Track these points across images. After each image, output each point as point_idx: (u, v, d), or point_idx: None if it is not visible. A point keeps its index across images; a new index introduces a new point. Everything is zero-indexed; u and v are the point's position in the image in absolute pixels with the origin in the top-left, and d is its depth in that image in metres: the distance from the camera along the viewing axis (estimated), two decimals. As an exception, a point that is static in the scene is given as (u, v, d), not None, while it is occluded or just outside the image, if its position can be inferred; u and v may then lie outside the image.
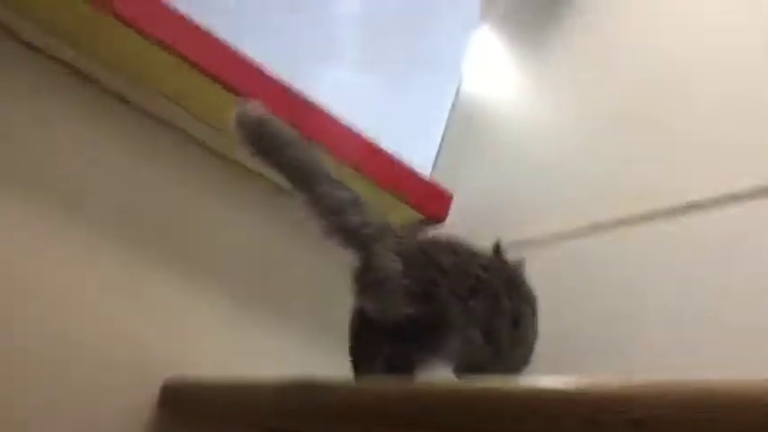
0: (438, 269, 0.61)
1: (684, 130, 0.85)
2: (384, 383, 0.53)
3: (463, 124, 1.34)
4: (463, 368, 0.63)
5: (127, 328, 0.93)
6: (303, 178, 0.62)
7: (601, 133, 0.99)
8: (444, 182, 1.17)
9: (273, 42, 1.24)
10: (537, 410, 0.37)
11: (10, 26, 0.91)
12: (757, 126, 0.75)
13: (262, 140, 0.63)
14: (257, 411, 0.69)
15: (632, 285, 0.80)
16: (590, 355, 0.81)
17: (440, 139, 1.34)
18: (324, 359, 1.06)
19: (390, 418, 0.48)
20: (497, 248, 0.71)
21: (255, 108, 0.65)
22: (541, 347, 0.70)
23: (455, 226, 1.12)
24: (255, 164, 1.04)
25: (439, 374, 0.62)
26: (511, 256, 0.72)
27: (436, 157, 1.31)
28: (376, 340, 0.62)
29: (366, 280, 0.60)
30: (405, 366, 0.59)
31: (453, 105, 1.38)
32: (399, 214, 1.10)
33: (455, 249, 0.65)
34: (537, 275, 0.74)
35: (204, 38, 0.95)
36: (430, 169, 1.28)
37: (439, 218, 1.12)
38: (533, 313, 0.69)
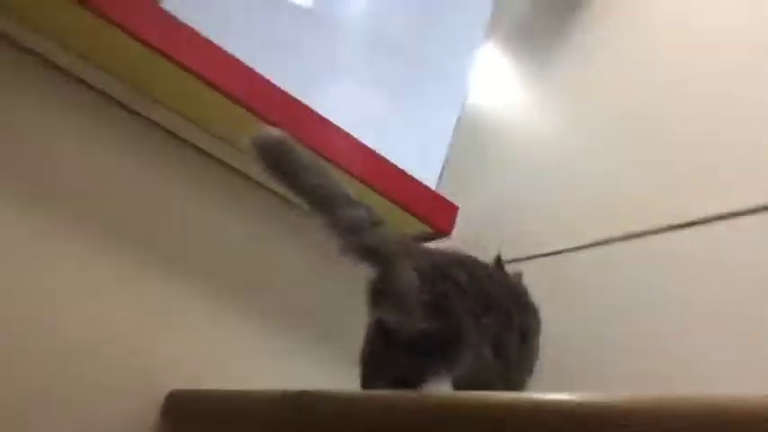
0: (454, 286, 0.62)
1: (687, 150, 0.85)
2: (385, 395, 0.54)
3: (469, 139, 1.35)
4: (471, 383, 0.63)
5: (134, 338, 0.93)
6: (322, 201, 0.63)
7: (604, 151, 0.99)
8: (450, 195, 1.17)
9: (283, 56, 1.25)
10: (541, 424, 0.37)
11: (9, 34, 0.92)
12: (755, 147, 0.75)
13: (280, 164, 0.65)
14: (260, 423, 0.69)
15: (634, 301, 0.80)
16: (592, 369, 0.80)
17: (445, 152, 1.34)
18: (327, 371, 1.06)
19: (391, 429, 0.48)
20: (498, 261, 0.72)
21: (273, 131, 0.66)
22: (543, 361, 0.70)
23: (460, 239, 1.12)
24: (260, 175, 1.07)
25: (439, 388, 0.62)
26: (511, 269, 0.73)
27: (442, 171, 1.31)
28: (389, 353, 0.62)
29: (384, 292, 0.61)
30: (416, 380, 0.60)
31: (459, 120, 1.39)
32: (405, 226, 1.10)
33: (467, 265, 0.66)
34: (538, 289, 0.74)
35: (211, 50, 0.96)
36: (436, 182, 1.28)
37: (444, 230, 1.12)
38: (538, 326, 0.70)
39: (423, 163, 1.24)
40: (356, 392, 0.60)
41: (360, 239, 0.61)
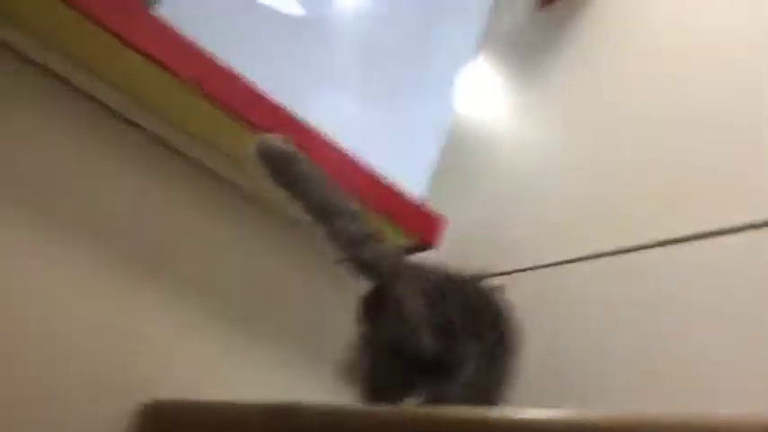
0: (455, 307, 0.64)
1: (676, 165, 0.85)
2: (374, 409, 0.53)
3: (457, 150, 1.35)
4: (461, 400, 0.64)
5: (110, 346, 0.92)
6: (322, 213, 0.65)
7: (594, 164, 1.00)
8: (437, 207, 1.17)
9: (273, 65, 1.25)
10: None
11: (15, 44, 0.91)
12: (749, 163, 0.76)
13: (283, 172, 0.66)
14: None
15: (619, 317, 0.80)
16: (572, 385, 0.80)
17: (434, 165, 1.35)
18: (311, 385, 1.05)
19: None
20: (480, 277, 0.72)
21: (277, 140, 0.67)
22: (525, 376, 0.70)
23: (447, 251, 1.12)
24: (251, 185, 1.06)
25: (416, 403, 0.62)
26: (494, 282, 0.73)
27: (430, 183, 1.31)
28: (387, 368, 0.63)
29: (381, 308, 0.61)
30: (412, 395, 0.60)
31: (448, 133, 1.39)
32: (391, 238, 1.10)
33: (465, 285, 0.68)
34: (525, 303, 0.74)
35: (200, 58, 0.95)
36: (423, 195, 1.28)
37: (431, 243, 1.12)
38: (516, 343, 0.70)
39: (411, 174, 1.24)
40: (344, 406, 0.60)
41: (358, 253, 0.62)
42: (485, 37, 1.49)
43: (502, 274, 0.99)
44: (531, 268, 0.97)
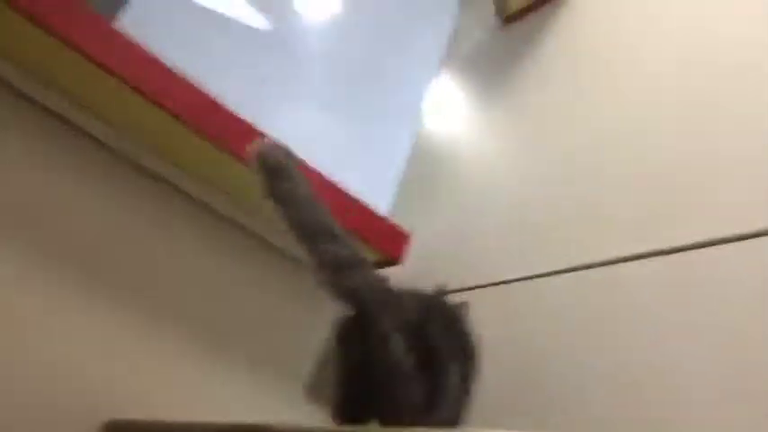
0: (437, 338, 0.64)
1: (640, 181, 0.87)
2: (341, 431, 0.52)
3: (422, 167, 1.36)
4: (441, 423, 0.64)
5: (71, 365, 0.90)
6: (309, 231, 0.64)
7: (558, 180, 1.01)
8: (402, 222, 1.17)
9: (237, 79, 1.24)
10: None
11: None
12: (716, 177, 0.77)
13: (276, 184, 0.65)
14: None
15: (582, 333, 0.81)
16: (534, 403, 0.80)
17: (399, 180, 1.35)
18: (279, 405, 1.04)
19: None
20: (441, 294, 0.72)
21: (278, 148, 0.67)
22: (489, 395, 0.71)
23: (411, 266, 1.12)
24: (219, 204, 1.05)
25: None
26: (459, 299, 0.73)
27: (395, 199, 1.31)
28: (357, 392, 0.62)
29: (362, 336, 0.61)
30: (393, 420, 0.60)
31: (413, 148, 1.40)
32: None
33: (444, 311, 0.68)
34: (489, 319, 0.74)
35: (160, 69, 0.94)
36: (388, 210, 1.28)
37: (396, 258, 1.11)
38: (476, 365, 0.71)
39: (376, 189, 1.24)
40: (313, 427, 0.59)
41: (342, 279, 0.62)
42: (449, 53, 1.51)
43: (465, 289, 0.99)
44: (494, 284, 0.97)
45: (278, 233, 1.10)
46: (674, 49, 0.94)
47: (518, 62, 1.25)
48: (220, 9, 1.33)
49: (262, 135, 1.01)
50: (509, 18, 1.36)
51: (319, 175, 1.06)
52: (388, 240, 1.12)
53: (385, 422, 0.60)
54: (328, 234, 0.64)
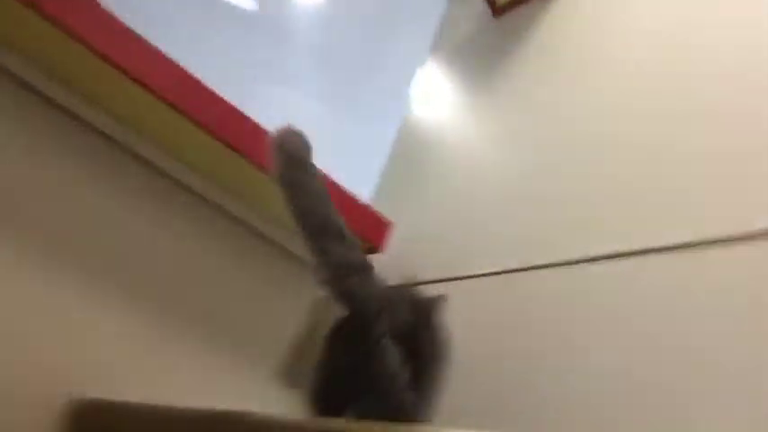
0: (426, 344, 0.66)
1: (626, 179, 0.86)
2: (315, 422, 0.52)
3: (406, 156, 1.35)
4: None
5: (35, 340, 0.88)
6: (317, 229, 0.63)
7: (542, 176, 1.00)
8: (385, 210, 1.16)
9: (225, 62, 1.22)
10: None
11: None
12: (696, 178, 0.77)
13: (292, 174, 0.65)
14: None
15: (563, 327, 0.81)
16: (512, 396, 0.80)
17: (383, 168, 1.34)
18: (253, 389, 1.03)
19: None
20: (413, 286, 0.73)
21: (298, 138, 0.67)
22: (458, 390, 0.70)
23: (392, 255, 1.11)
24: (196, 183, 1.03)
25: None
26: (436, 291, 0.73)
27: (378, 187, 1.30)
28: (347, 388, 0.62)
29: (359, 339, 0.61)
30: (378, 416, 0.60)
31: (398, 137, 1.39)
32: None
33: (429, 314, 0.68)
34: (467, 311, 0.73)
35: (148, 52, 0.92)
36: (371, 198, 1.27)
37: (377, 247, 1.10)
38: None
39: (359, 176, 1.23)
40: (285, 417, 0.58)
41: (347, 283, 0.61)
42: (437, 42, 1.50)
43: (443, 280, 0.99)
44: (473, 276, 0.97)
45: (256, 216, 1.09)
46: (662, 45, 0.94)
47: (507, 54, 1.24)
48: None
49: (239, 113, 0.99)
50: (499, 10, 1.35)
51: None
52: (369, 229, 1.11)
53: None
54: (336, 233, 0.63)
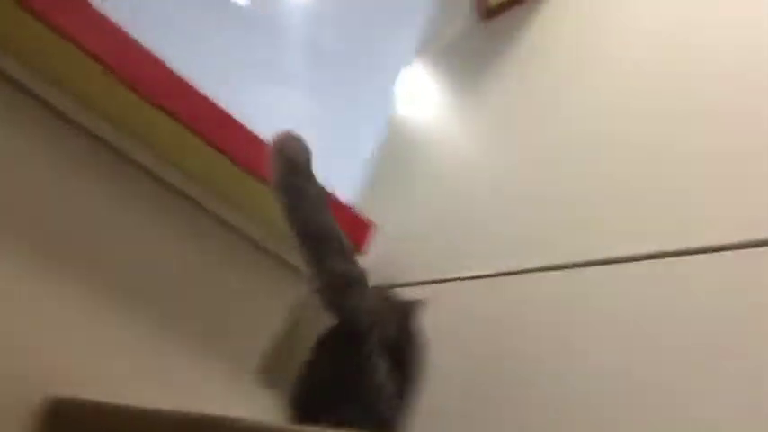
0: (412, 358, 0.66)
1: (617, 181, 0.86)
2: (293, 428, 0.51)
3: (391, 157, 1.34)
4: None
5: (11, 336, 0.85)
6: (315, 239, 0.63)
7: (528, 179, 1.00)
8: (368, 211, 1.15)
9: (212, 57, 1.21)
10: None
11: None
12: (694, 180, 0.77)
13: (291, 180, 0.64)
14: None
15: (558, 331, 0.80)
16: (495, 401, 0.80)
17: (367, 169, 1.33)
18: (231, 389, 1.02)
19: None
20: (395, 289, 0.73)
21: (298, 144, 0.66)
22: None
23: (378, 257, 1.10)
24: (177, 180, 1.02)
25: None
26: (415, 294, 0.73)
27: (364, 186, 1.29)
28: (323, 397, 0.62)
29: (347, 354, 0.62)
30: (361, 426, 0.60)
31: (383, 137, 1.38)
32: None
33: (411, 325, 0.68)
34: (450, 314, 0.72)
35: (137, 52, 0.91)
36: (354, 199, 1.26)
37: (359, 249, 1.10)
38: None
39: (342, 178, 1.22)
40: (263, 423, 0.57)
41: (343, 297, 0.61)
42: (424, 43, 1.49)
43: (424, 283, 0.98)
44: (456, 279, 0.97)
45: (236, 215, 1.08)
46: (654, 46, 0.94)
47: (495, 56, 1.24)
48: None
49: (227, 114, 0.98)
50: (488, 12, 1.35)
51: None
52: (351, 230, 1.10)
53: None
54: (334, 244, 0.63)
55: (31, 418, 0.84)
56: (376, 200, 1.26)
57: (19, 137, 0.91)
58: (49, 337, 0.89)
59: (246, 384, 1.03)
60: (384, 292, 0.70)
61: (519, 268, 0.88)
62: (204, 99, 0.97)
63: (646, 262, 0.74)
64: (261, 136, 1.01)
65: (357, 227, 1.11)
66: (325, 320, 0.64)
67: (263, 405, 0.74)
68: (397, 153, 1.33)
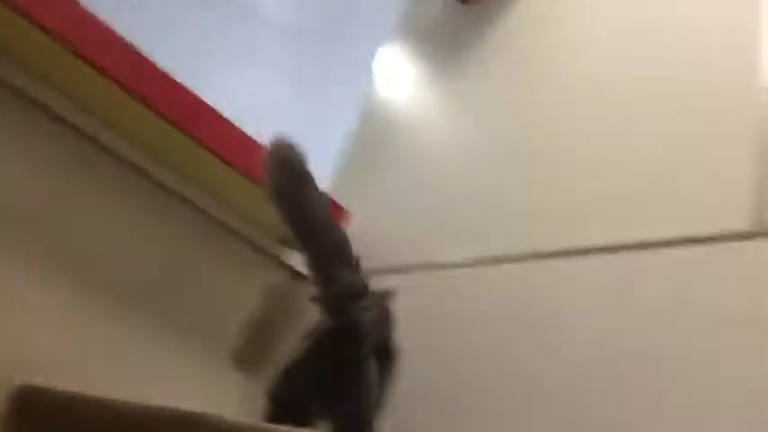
0: (389, 350, 0.68)
1: (597, 170, 0.85)
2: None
3: (366, 141, 1.33)
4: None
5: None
6: (320, 249, 0.63)
7: (503, 166, 1.00)
8: (342, 196, 1.15)
9: (185, 42, 1.19)
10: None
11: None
12: (669, 174, 0.77)
13: (294, 195, 0.64)
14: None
15: (519, 321, 0.81)
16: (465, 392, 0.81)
17: (341, 153, 1.32)
18: (207, 377, 1.01)
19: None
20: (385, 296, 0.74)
21: (293, 150, 0.65)
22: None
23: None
24: (153, 169, 1.00)
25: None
26: (385, 284, 0.73)
27: (334, 173, 1.28)
28: (318, 397, 0.63)
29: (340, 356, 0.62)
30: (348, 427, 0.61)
31: (358, 121, 1.37)
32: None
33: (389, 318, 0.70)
34: (426, 303, 0.72)
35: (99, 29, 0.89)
36: (328, 184, 1.25)
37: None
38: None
39: (316, 161, 1.21)
40: (244, 422, 0.57)
41: (348, 309, 0.61)
42: (400, 26, 1.47)
43: (396, 270, 0.98)
44: (429, 265, 0.97)
45: (206, 198, 1.06)
46: (631, 33, 0.94)
47: (473, 40, 1.23)
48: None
49: (202, 101, 0.97)
50: (470, -2, 1.33)
51: (255, 142, 1.02)
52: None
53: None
54: (339, 254, 0.63)
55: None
56: (349, 186, 1.25)
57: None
58: (18, 323, 0.88)
59: (220, 369, 1.03)
60: (380, 298, 0.70)
61: (494, 255, 0.88)
62: (178, 86, 0.95)
63: (622, 252, 0.74)
64: (233, 119, 1.00)
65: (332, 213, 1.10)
66: (303, 310, 0.64)
67: (236, 391, 0.74)
68: (372, 139, 1.32)
